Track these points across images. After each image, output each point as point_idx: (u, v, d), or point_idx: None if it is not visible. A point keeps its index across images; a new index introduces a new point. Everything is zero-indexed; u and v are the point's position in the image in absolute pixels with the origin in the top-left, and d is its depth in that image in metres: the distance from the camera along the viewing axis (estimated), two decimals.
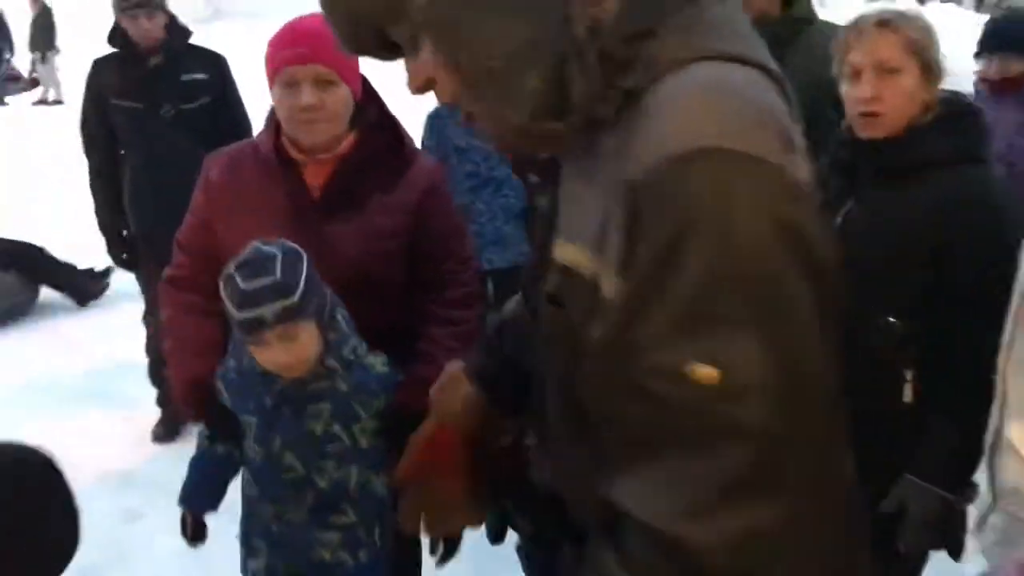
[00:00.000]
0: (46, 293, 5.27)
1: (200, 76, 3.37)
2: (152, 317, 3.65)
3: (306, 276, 1.56)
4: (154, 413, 3.81)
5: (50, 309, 5.24)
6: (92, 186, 3.49)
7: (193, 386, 1.80)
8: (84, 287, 5.27)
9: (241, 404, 1.70)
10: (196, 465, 1.80)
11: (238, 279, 1.54)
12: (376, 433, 1.70)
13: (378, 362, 1.73)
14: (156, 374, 3.76)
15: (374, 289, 1.75)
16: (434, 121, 3.46)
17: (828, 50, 1.89)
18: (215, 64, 3.43)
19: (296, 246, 1.60)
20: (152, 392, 3.82)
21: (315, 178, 1.77)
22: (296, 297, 1.53)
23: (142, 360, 3.84)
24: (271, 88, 1.72)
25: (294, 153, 1.76)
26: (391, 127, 1.82)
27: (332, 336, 1.64)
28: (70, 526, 1.13)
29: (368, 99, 1.79)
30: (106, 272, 5.23)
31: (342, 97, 1.71)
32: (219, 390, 1.73)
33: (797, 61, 2.17)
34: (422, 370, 1.74)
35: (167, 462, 3.56)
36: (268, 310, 1.51)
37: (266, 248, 1.58)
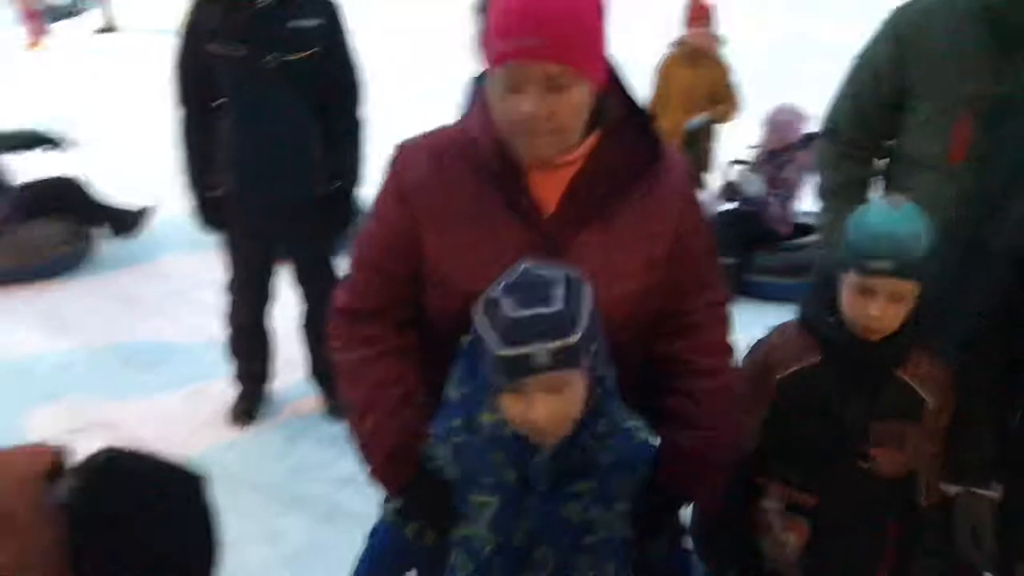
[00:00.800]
0: (106, 250, 4.91)
1: (310, 23, 2.96)
2: (236, 283, 3.33)
3: (591, 312, 1.21)
4: (228, 390, 3.48)
5: (110, 262, 4.90)
6: (182, 139, 3.13)
7: (399, 450, 1.44)
8: (123, 217, 4.85)
9: (474, 478, 1.34)
10: (375, 548, 1.44)
11: (508, 304, 1.19)
12: (625, 517, 1.35)
13: (639, 427, 1.37)
14: (235, 347, 3.43)
15: (623, 330, 1.38)
16: (475, 90, 2.98)
17: None
18: (327, 10, 3.02)
19: (580, 273, 1.24)
20: (226, 365, 3.48)
21: (547, 188, 1.38)
22: (578, 336, 1.18)
23: (213, 328, 3.51)
24: (487, 70, 1.32)
25: (518, 155, 1.36)
26: (640, 120, 1.41)
27: (600, 392, 1.29)
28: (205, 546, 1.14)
29: (612, 86, 1.38)
30: (143, 212, 4.89)
31: (577, 102, 1.29)
32: (439, 457, 1.37)
33: None
34: (684, 439, 1.40)
35: (247, 450, 3.28)
36: (543, 348, 1.17)
37: (545, 271, 1.22)
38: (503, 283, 1.22)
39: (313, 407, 3.48)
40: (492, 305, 1.21)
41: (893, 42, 1.94)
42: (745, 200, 4.53)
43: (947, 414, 1.64)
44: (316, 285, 3.31)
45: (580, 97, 1.28)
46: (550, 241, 1.35)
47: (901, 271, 1.51)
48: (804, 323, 1.67)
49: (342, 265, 3.18)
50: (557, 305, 1.18)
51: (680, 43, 5.03)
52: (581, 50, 1.26)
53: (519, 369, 1.18)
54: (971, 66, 1.84)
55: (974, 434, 1.65)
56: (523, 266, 1.24)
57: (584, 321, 1.19)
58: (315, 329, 3.37)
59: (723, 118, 5.12)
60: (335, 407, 3.37)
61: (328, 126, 3.08)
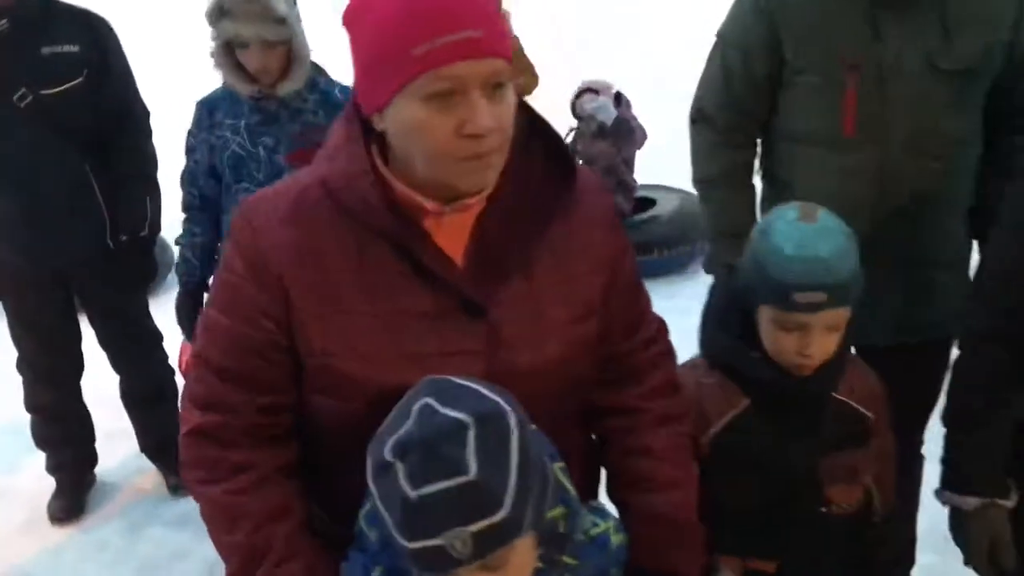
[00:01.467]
0: None
1: (69, 48, 2.47)
2: (28, 361, 2.82)
3: (518, 462, 0.92)
4: (44, 486, 2.97)
5: None
6: None
7: None
8: None
9: None
10: None
11: (404, 477, 0.90)
12: None
13: (610, 527, 1.14)
14: (41, 435, 2.92)
15: (564, 396, 1.15)
16: (208, 114, 2.40)
17: None
18: (91, 31, 2.53)
19: (500, 400, 0.96)
20: (36, 457, 2.96)
21: (448, 238, 1.11)
22: (506, 510, 0.90)
23: (12, 411, 2.98)
24: (388, 96, 1.00)
25: (420, 199, 1.07)
26: (547, 138, 1.14)
27: (558, 525, 1.03)
28: None
29: None
30: None
31: (512, 109, 1.04)
32: None
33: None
34: (653, 505, 1.23)
35: (81, 551, 2.80)
36: (460, 538, 0.88)
37: (446, 412, 0.93)
38: (395, 437, 0.93)
39: (153, 486, 3.04)
40: (384, 472, 0.92)
41: (759, 17, 1.76)
42: (601, 129, 4.37)
43: (885, 426, 1.49)
44: (125, 351, 2.88)
45: (513, 103, 1.03)
46: (467, 304, 1.09)
47: (835, 300, 1.31)
48: (718, 364, 1.44)
49: (157, 320, 2.86)
50: (470, 470, 0.89)
51: None
52: (508, 40, 1.01)
53: (436, 564, 0.91)
54: (847, 31, 1.69)
55: (982, 438, 1.48)
56: (420, 401, 0.95)
57: (512, 480, 0.91)
58: (136, 398, 2.95)
59: (526, 91, 4.99)
60: (180, 483, 2.95)
61: (109, 168, 2.61)
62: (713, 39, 1.89)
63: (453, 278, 1.08)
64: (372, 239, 1.08)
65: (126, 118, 2.62)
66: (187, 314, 2.53)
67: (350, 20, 1.05)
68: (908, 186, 1.75)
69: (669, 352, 1.32)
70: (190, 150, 2.44)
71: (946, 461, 1.56)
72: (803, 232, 1.32)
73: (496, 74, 0.99)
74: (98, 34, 2.54)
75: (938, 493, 1.57)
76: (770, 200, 1.92)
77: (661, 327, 1.32)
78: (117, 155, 2.61)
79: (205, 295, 2.59)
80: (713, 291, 1.53)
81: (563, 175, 1.14)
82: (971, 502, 1.50)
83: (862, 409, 1.45)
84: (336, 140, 1.11)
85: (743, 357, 1.40)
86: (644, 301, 1.30)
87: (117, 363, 2.90)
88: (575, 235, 1.15)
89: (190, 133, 2.43)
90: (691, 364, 1.48)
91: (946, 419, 1.57)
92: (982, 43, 1.69)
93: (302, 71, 2.29)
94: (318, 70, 2.39)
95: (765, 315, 1.37)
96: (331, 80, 2.42)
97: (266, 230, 1.10)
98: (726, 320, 1.43)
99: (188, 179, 2.46)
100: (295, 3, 2.30)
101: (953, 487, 1.53)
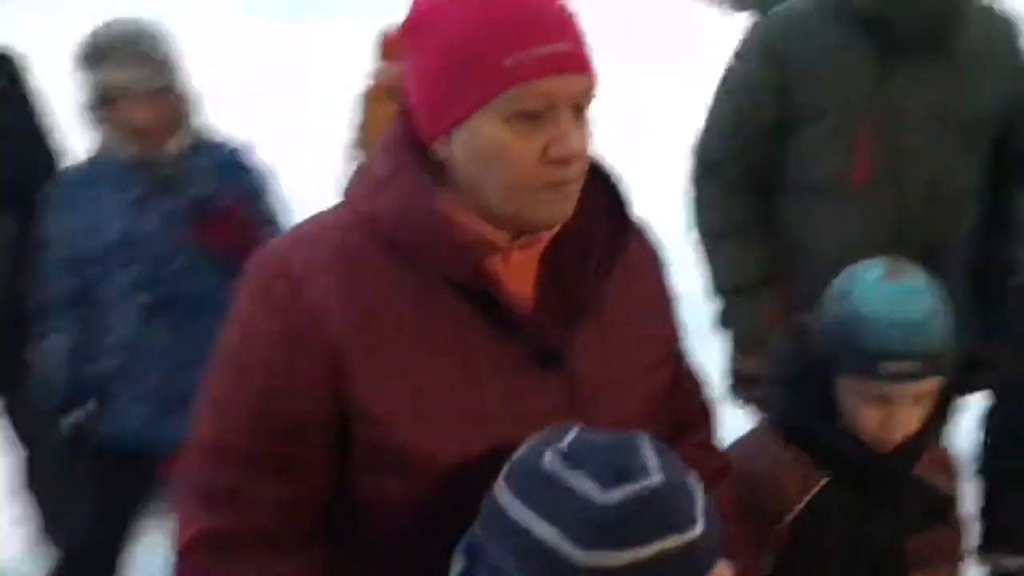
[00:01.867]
0: None
1: None
2: None
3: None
4: None
5: None
6: None
7: None
8: None
9: None
10: None
11: (589, 489, 0.81)
12: None
13: None
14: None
15: None
16: (73, 193, 1.97)
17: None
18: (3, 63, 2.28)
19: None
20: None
21: (516, 275, 0.99)
22: (699, 527, 0.82)
23: None
24: (466, 112, 0.89)
25: (490, 235, 0.95)
26: (601, 170, 1.04)
27: None
28: None
29: None
30: None
31: (591, 131, 0.96)
32: None
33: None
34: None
35: None
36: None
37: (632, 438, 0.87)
38: (565, 459, 0.84)
39: None
40: (582, 503, 0.81)
41: (768, 61, 1.72)
42: None
43: (959, 499, 1.40)
44: (33, 421, 2.49)
45: (591, 128, 0.95)
46: (541, 354, 0.97)
47: (927, 370, 1.20)
48: (794, 436, 1.31)
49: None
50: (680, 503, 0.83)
51: (377, 77, 4.73)
52: (592, 62, 0.94)
53: None
54: (858, 78, 1.66)
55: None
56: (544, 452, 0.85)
57: (699, 500, 0.85)
58: (42, 475, 2.53)
59: None
60: None
61: (17, 222, 2.27)
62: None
63: (529, 324, 0.96)
64: (432, 282, 0.94)
65: (35, 159, 2.33)
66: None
67: (417, 28, 0.93)
68: (923, 237, 1.71)
69: (710, 404, 1.23)
70: (51, 235, 1.99)
71: (985, 518, 1.50)
72: (891, 292, 1.21)
73: (585, 93, 0.92)
74: (9, 67, 2.29)
75: (979, 552, 1.51)
76: (777, 252, 1.85)
77: (696, 372, 1.23)
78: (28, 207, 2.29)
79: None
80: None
81: (624, 212, 1.04)
82: (1021, 562, 1.45)
83: (941, 484, 1.36)
84: (381, 170, 0.96)
85: (828, 430, 1.27)
86: (682, 343, 1.21)
87: (23, 435, 2.52)
88: (633, 276, 1.07)
89: (48, 213, 1.99)
90: (760, 441, 1.35)
91: (985, 475, 1.52)
92: (996, 93, 1.68)
93: (191, 123, 1.96)
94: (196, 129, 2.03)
95: (846, 385, 1.25)
96: (211, 140, 2.04)
97: (308, 280, 0.92)
98: (803, 389, 1.30)
99: (51, 269, 2.00)
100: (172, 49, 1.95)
101: (997, 547, 1.48)
